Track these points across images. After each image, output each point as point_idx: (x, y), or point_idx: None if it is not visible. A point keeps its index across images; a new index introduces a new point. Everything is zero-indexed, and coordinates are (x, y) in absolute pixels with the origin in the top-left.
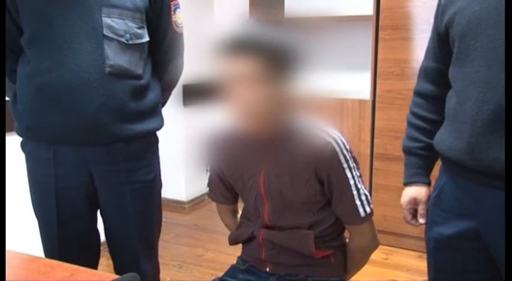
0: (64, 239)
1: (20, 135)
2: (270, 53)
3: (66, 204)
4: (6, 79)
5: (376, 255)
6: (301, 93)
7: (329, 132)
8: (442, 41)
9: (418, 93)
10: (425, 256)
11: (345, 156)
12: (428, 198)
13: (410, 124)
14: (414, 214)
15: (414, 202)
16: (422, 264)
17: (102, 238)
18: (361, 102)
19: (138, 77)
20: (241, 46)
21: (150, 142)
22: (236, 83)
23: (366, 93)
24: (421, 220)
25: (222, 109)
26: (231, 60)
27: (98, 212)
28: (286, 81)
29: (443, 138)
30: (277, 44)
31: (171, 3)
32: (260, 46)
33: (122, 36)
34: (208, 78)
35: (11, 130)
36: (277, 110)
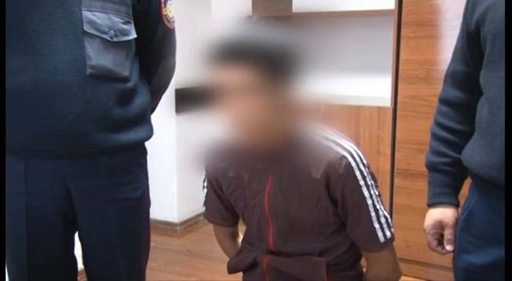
0: (35, 267)
1: None
2: (266, 60)
3: (38, 226)
4: None
5: None
6: (309, 101)
7: (343, 145)
8: (473, 41)
9: (444, 100)
10: None
11: (361, 172)
12: (456, 221)
13: (434, 136)
14: (440, 239)
15: (439, 226)
16: None
17: (80, 265)
18: (380, 109)
19: (124, 80)
20: (232, 54)
21: (138, 154)
22: (230, 93)
23: (385, 100)
24: (448, 247)
25: (217, 119)
26: (223, 69)
27: (76, 235)
28: (288, 88)
29: (473, 153)
30: (274, 49)
31: None
32: (253, 53)
33: (105, 32)
34: (203, 83)
35: None
36: (281, 120)
